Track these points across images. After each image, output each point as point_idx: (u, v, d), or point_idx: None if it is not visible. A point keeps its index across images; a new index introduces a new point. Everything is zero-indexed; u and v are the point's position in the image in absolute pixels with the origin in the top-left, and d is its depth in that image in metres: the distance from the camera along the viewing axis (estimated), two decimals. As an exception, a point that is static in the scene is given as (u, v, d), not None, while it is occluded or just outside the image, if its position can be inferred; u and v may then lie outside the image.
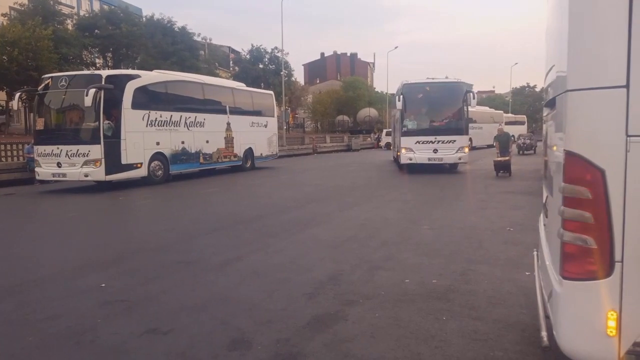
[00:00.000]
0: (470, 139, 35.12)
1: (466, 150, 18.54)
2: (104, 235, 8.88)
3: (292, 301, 4.79)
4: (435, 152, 18.38)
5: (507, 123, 54.45)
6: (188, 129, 18.32)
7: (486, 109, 48.95)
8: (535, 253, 3.95)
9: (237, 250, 6.96)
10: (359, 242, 7.44)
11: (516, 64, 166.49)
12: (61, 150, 14.84)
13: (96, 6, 48.71)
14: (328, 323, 4.21)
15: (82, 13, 43.54)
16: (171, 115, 17.41)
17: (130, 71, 19.50)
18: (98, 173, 14.72)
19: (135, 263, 6.52)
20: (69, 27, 35.54)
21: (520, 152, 30.92)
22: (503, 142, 17.96)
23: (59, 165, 14.95)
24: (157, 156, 16.80)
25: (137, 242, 7.98)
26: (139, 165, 15.93)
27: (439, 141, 18.36)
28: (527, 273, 5.30)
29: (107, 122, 14.71)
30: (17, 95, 16.68)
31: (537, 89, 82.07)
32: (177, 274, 5.92)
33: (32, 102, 19.34)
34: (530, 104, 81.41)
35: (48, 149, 15.08)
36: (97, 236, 8.71)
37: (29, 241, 8.36)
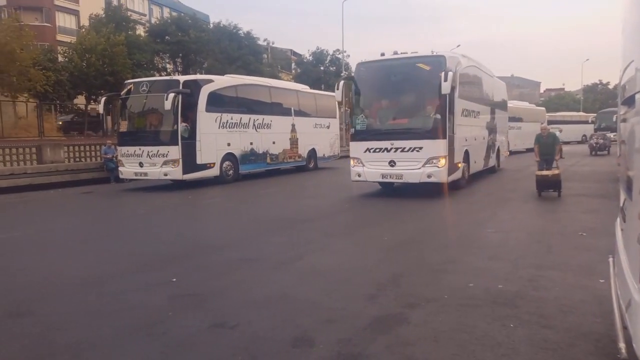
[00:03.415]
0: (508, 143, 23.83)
1: (442, 163, 11.75)
2: (174, 231, 9.28)
3: (352, 301, 4.81)
4: (392, 166, 12.07)
5: (577, 122, 49.07)
6: (256, 130, 18.83)
7: (524, 104, 39.67)
8: (610, 259, 3.73)
9: (297, 249, 7.07)
10: (420, 244, 7.34)
11: (587, 60, 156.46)
12: (143, 151, 15.79)
13: (166, 13, 50.99)
14: (390, 325, 4.19)
15: (153, 20, 45.79)
16: (241, 118, 17.98)
17: (204, 76, 20.29)
18: (176, 172, 15.51)
19: (203, 259, 6.78)
20: (141, 33, 37.54)
21: (593, 152, 29.18)
22: (546, 146, 12.85)
23: (140, 165, 15.90)
24: (228, 156, 17.42)
25: (204, 239, 8.29)
26: (212, 165, 16.60)
27: (397, 148, 11.98)
28: (601, 280, 5.01)
29: (183, 124, 15.45)
30: (103, 100, 17.93)
31: (610, 86, 77.11)
32: (240, 271, 6.10)
33: (107, 105, 20.58)
34: (603, 102, 76.59)
35: (131, 149, 16.10)
36: (168, 232, 9.12)
37: (105, 236, 8.90)
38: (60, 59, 31.38)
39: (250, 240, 7.96)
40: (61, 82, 28.69)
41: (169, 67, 40.23)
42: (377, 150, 12.25)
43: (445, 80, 11.08)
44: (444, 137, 11.74)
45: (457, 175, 12.71)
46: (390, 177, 12.31)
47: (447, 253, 6.70)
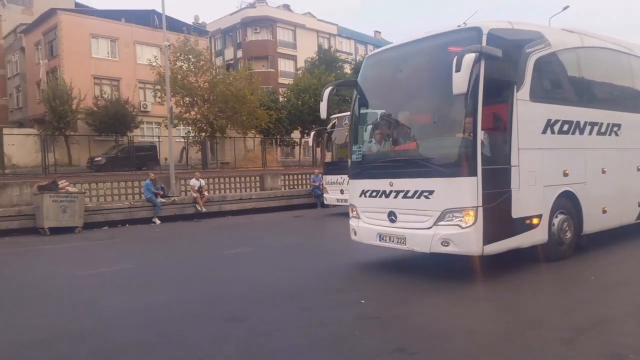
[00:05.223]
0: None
1: (468, 218, 6.34)
2: (367, 254, 9.76)
3: (546, 343, 4.43)
4: (392, 221, 7.22)
5: None
6: None
7: None
8: None
9: (492, 279, 6.76)
10: (635, 286, 6.32)
11: None
12: (343, 179, 17.10)
13: (370, 50, 54.18)
14: (586, 374, 3.77)
15: (358, 58, 49.20)
16: None
17: None
18: None
19: (392, 285, 6.98)
20: (348, 71, 40.70)
21: None
22: None
23: (341, 192, 17.26)
24: None
25: (395, 262, 8.49)
26: None
27: (397, 192, 7.16)
28: None
29: None
30: (312, 133, 20.15)
31: None
32: (429, 298, 6.11)
33: (317, 138, 22.79)
34: None
35: (334, 178, 17.66)
36: (362, 255, 9.62)
37: (310, 255, 9.81)
38: (280, 99, 36.02)
39: (443, 267, 7.90)
40: (281, 119, 32.87)
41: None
42: (374, 194, 7.57)
43: (458, 69, 5.98)
44: (472, 173, 6.35)
45: (524, 239, 6.99)
46: (389, 239, 7.26)
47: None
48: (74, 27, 32.70)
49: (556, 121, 7.57)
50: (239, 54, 48.38)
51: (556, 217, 7.49)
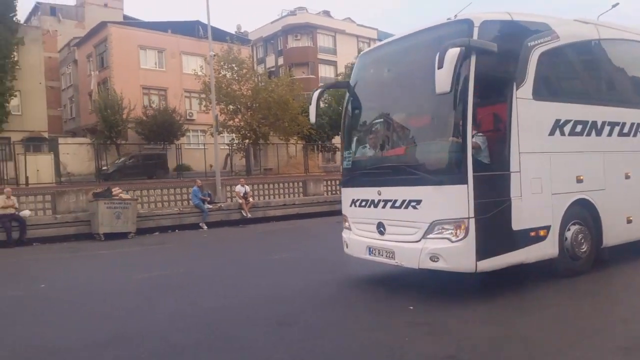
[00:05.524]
0: None
1: (459, 231, 5.77)
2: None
3: (605, 352, 4.34)
4: (381, 233, 6.71)
5: None
6: None
7: None
8: None
9: (538, 291, 6.61)
10: None
11: None
12: None
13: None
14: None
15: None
16: None
17: None
18: None
19: (440, 291, 6.92)
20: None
21: None
22: None
23: None
24: None
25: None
26: None
27: (385, 201, 6.62)
28: None
29: None
30: None
31: None
32: (477, 306, 6.05)
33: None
34: None
35: None
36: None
37: (355, 260, 9.80)
38: (321, 105, 36.33)
39: (490, 274, 7.77)
40: (322, 125, 33.13)
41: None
42: (363, 203, 7.07)
43: (440, 66, 5.40)
44: (462, 180, 5.73)
45: (528, 254, 6.30)
46: (378, 252, 6.73)
47: None
48: (123, 39, 34.16)
49: (567, 121, 6.79)
50: (280, 61, 49.06)
51: (569, 229, 6.77)
